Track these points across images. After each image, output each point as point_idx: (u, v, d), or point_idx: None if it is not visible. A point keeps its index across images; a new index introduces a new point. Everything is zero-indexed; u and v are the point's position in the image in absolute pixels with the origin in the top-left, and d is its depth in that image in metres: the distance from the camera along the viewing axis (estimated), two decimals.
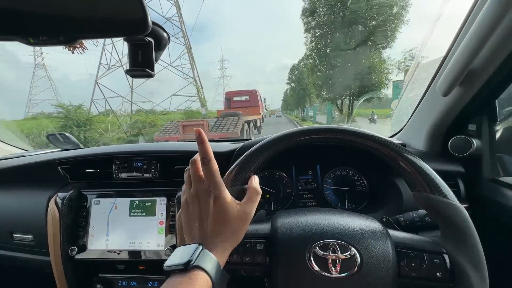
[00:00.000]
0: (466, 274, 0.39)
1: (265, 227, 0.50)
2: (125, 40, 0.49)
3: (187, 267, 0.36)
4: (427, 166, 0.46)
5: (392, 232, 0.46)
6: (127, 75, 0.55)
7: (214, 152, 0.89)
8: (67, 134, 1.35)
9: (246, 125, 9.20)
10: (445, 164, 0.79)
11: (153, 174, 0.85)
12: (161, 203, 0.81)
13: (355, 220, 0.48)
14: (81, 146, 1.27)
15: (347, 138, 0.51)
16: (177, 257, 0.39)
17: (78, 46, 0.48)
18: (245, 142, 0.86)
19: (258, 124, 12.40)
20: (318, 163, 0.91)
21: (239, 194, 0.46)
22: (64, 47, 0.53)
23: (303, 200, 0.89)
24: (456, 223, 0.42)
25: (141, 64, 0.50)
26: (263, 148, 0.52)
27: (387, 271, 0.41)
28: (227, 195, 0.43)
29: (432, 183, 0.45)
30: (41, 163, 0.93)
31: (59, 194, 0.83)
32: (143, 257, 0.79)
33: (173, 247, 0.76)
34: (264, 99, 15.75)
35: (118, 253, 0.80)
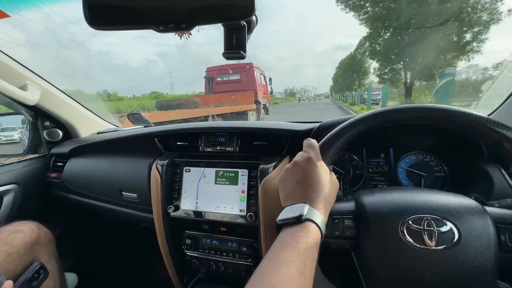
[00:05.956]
0: None
1: (349, 205, 0.53)
2: (223, 25, 0.55)
3: (300, 220, 0.42)
4: None
5: (488, 208, 0.45)
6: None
7: (291, 130, 0.93)
8: (140, 113, 1.58)
9: None
10: None
11: (234, 148, 0.94)
12: (243, 174, 0.90)
13: (447, 196, 0.47)
14: (151, 124, 1.48)
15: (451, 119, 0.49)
16: (287, 213, 0.45)
17: (186, 32, 0.57)
18: (322, 122, 0.88)
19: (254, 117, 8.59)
20: (391, 146, 0.89)
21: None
22: (175, 34, 0.62)
23: (374, 182, 0.89)
24: None
25: (235, 46, 0.56)
26: (349, 127, 0.54)
27: (488, 246, 0.40)
28: (325, 165, 0.51)
29: None
30: (141, 135, 1.10)
31: (158, 161, 0.98)
32: (225, 220, 0.90)
33: (254, 213, 0.84)
34: (270, 79, 10.91)
35: (206, 214, 0.92)
